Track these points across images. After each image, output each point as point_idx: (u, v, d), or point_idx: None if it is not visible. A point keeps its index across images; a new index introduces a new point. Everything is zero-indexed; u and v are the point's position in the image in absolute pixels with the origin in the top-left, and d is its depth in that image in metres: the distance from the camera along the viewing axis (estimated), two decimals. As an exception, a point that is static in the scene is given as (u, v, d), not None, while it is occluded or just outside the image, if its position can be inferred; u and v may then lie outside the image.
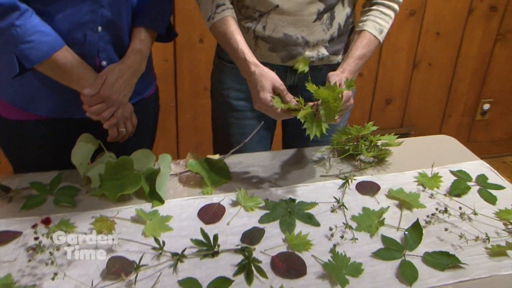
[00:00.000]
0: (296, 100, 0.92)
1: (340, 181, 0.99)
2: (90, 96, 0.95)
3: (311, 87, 0.87)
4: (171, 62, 1.90)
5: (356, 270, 0.75)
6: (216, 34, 1.02)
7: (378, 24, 1.09)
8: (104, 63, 1.00)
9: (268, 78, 0.92)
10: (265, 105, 0.91)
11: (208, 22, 1.01)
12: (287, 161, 1.09)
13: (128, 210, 0.89)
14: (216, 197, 0.94)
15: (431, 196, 0.97)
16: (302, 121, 0.87)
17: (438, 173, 1.03)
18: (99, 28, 0.96)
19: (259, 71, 0.93)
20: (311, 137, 0.87)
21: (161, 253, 0.77)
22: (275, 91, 0.93)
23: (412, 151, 1.14)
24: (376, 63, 2.20)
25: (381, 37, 1.10)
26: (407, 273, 0.75)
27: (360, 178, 1.02)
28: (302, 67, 1.03)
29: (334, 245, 0.81)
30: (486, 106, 2.47)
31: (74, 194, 0.93)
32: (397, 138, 1.12)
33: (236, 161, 1.07)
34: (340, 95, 0.87)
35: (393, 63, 2.21)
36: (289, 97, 0.92)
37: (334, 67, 1.10)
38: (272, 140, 1.29)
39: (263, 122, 1.10)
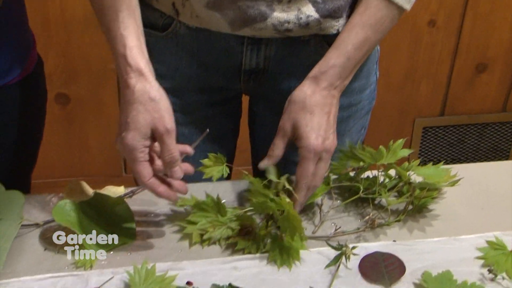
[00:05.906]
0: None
1: (333, 252, 0.86)
2: None
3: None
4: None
5: None
6: None
7: None
8: None
9: (150, 112, 0.83)
10: (128, 151, 0.84)
11: None
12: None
13: None
14: (97, 275, 0.82)
15: (507, 293, 0.78)
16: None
17: (524, 243, 0.83)
18: None
19: (139, 90, 0.83)
20: None
21: None
22: (156, 137, 0.84)
23: (481, 192, 1.00)
24: (461, 2, 2.04)
25: (409, 4, 0.89)
26: None
27: (371, 246, 0.88)
28: (274, 178, 0.93)
29: None
30: None
31: None
32: (450, 170, 0.95)
33: (153, 200, 0.95)
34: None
35: (492, 1, 2.04)
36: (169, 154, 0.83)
37: (330, 39, 0.93)
38: (234, 155, 1.18)
39: (208, 130, 0.98)
